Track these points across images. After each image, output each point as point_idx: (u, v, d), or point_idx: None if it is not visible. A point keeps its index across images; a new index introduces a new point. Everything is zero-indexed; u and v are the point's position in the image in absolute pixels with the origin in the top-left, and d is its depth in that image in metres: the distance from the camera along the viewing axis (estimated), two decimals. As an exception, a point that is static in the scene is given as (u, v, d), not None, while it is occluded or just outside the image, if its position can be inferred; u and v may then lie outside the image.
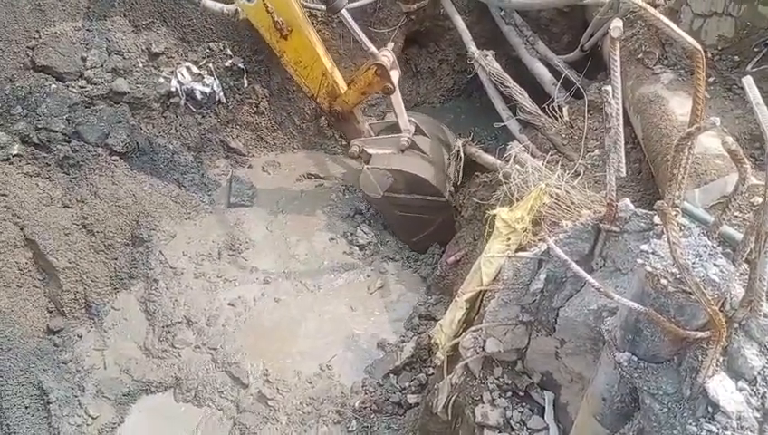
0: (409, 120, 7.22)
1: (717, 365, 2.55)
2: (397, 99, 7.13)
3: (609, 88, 2.89)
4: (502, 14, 8.30)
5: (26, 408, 6.15)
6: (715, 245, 2.63)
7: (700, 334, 2.50)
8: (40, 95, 7.33)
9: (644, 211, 3.28)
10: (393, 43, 7.44)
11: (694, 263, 2.51)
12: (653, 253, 2.56)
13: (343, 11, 6.78)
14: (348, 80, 7.22)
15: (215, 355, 6.64)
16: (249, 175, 8.41)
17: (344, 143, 8.34)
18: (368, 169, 7.10)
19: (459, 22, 8.28)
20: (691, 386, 2.60)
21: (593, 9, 7.24)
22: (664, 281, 2.46)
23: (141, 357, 6.67)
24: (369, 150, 7.20)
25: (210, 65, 8.07)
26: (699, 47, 2.56)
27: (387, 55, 7.01)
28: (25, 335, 6.51)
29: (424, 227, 7.50)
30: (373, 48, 7.04)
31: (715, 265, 2.52)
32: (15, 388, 6.18)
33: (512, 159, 5.91)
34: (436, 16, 8.87)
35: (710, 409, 2.53)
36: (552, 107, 6.77)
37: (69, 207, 7.14)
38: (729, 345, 2.58)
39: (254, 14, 6.68)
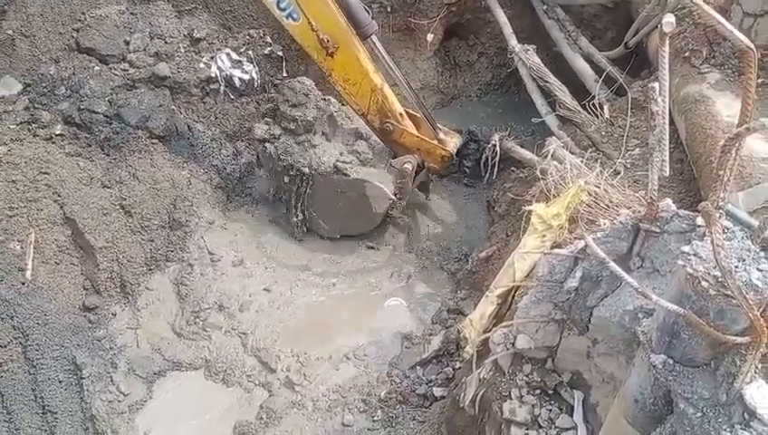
0: None
1: (756, 371, 2.49)
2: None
3: (655, 85, 2.83)
4: (544, 8, 8.22)
5: (60, 382, 6.28)
6: (758, 249, 2.57)
7: (739, 339, 2.45)
8: (83, 77, 7.45)
9: (686, 212, 3.22)
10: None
11: (736, 267, 2.45)
12: (695, 254, 2.51)
13: (374, 39, 6.73)
14: (416, 118, 7.35)
15: (244, 340, 6.72)
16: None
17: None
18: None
19: (500, 15, 8.21)
20: (727, 391, 2.55)
21: (639, 5, 7.12)
22: (705, 283, 2.41)
23: (173, 337, 6.79)
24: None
25: (250, 52, 8.12)
26: (752, 45, 2.49)
27: (457, 144, 7.47)
28: (61, 311, 6.64)
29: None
30: (443, 134, 7.30)
31: (758, 269, 2.46)
32: (50, 362, 6.32)
33: (550, 155, 5.85)
34: (477, 9, 8.81)
35: (746, 415, 2.48)
36: (593, 104, 6.68)
37: (108, 188, 7.25)
38: (769, 352, 2.53)
39: (299, 34, 6.64)
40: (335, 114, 7.52)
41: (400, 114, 7.12)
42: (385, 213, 7.45)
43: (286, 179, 7.42)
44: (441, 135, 7.25)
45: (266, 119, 7.61)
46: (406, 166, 7.15)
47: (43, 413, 6.09)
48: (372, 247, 7.72)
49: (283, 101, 7.25)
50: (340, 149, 7.25)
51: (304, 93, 7.27)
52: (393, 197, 7.20)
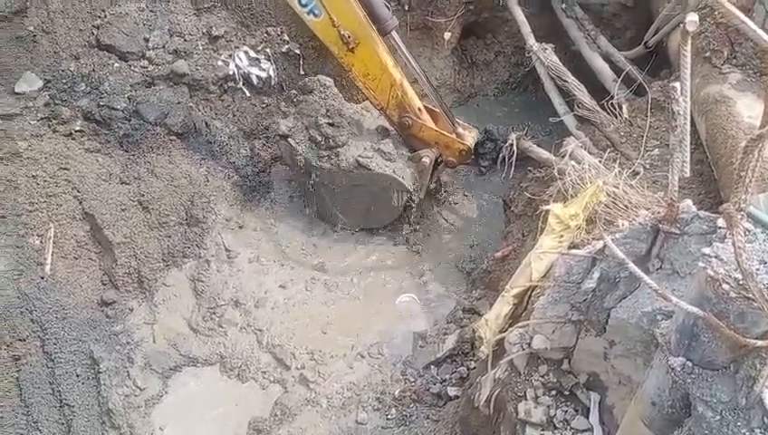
0: None
1: (776, 376, 2.46)
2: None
3: (677, 85, 2.80)
4: (563, 6, 8.16)
5: (78, 376, 6.35)
6: (780, 252, 2.53)
7: (760, 343, 2.41)
8: (103, 73, 7.53)
9: (707, 214, 3.18)
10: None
11: (758, 269, 2.42)
12: (715, 257, 2.48)
13: (394, 34, 6.77)
14: (434, 113, 7.35)
15: (259, 336, 6.76)
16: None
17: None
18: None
19: (518, 13, 8.17)
20: (747, 395, 2.52)
21: (659, 4, 7.05)
22: (726, 286, 2.38)
23: (189, 333, 6.84)
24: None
25: (267, 50, 8.15)
26: (776, 45, 2.46)
27: (475, 138, 7.52)
28: (79, 306, 6.71)
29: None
30: (461, 129, 7.34)
31: (780, 272, 2.42)
32: (68, 356, 6.39)
33: (567, 155, 5.80)
34: (494, 7, 8.78)
35: (765, 419, 2.45)
36: (612, 104, 6.63)
37: (126, 184, 7.32)
38: (790, 356, 2.49)
39: (320, 29, 6.73)
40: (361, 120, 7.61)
41: (419, 109, 7.19)
42: (403, 206, 7.50)
43: (307, 174, 7.48)
44: (459, 129, 7.31)
45: (291, 115, 7.67)
46: (424, 160, 7.27)
47: (60, 407, 6.16)
48: (388, 245, 7.74)
49: (324, 115, 7.35)
50: (363, 146, 7.31)
51: (347, 118, 7.43)
52: (411, 190, 7.27)
